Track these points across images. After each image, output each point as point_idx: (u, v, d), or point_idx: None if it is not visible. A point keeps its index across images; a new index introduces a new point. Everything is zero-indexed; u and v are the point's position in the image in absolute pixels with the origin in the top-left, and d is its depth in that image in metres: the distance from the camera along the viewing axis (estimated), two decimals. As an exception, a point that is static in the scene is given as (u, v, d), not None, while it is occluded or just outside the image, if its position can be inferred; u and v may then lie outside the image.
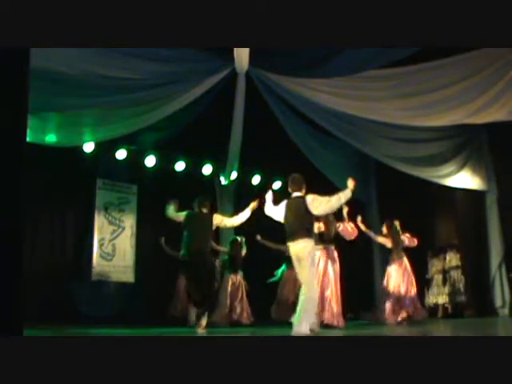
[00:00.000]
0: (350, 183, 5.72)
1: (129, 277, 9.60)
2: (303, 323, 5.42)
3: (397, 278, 8.33)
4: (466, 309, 10.07)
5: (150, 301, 9.17)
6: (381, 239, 8.60)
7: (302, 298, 5.59)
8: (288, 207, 5.87)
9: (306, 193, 5.89)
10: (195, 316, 6.78)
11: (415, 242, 8.68)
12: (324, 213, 6.06)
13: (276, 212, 5.98)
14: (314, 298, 5.69)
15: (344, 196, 5.76)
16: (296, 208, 5.79)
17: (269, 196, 6.08)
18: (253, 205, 6.67)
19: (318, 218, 6.67)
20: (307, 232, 5.72)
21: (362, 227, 8.37)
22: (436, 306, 10.42)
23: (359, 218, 8.33)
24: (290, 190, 5.96)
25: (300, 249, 5.65)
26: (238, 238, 9.46)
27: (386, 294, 8.41)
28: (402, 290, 8.29)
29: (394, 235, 8.49)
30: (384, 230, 8.61)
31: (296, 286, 8.42)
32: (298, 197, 5.87)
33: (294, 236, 5.71)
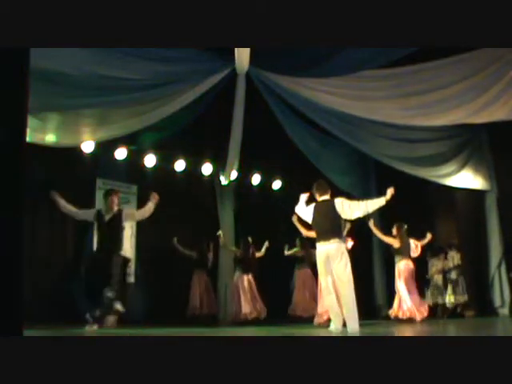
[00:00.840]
0: (389, 192, 5.72)
1: (128, 277, 9.58)
2: (355, 322, 5.62)
3: (405, 277, 8.55)
4: (465, 309, 10.07)
5: (150, 301, 9.18)
6: (389, 240, 8.97)
7: (343, 300, 5.71)
8: (316, 210, 5.96)
9: (332, 197, 6.00)
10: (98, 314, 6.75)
11: (419, 251, 8.91)
12: (352, 217, 6.06)
13: (306, 212, 6.07)
14: (353, 296, 5.74)
15: (377, 203, 5.79)
16: (325, 211, 5.88)
17: (303, 197, 6.17)
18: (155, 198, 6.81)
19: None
20: (338, 233, 5.81)
21: (375, 230, 8.91)
22: (436, 305, 10.43)
23: (371, 222, 8.76)
24: (316, 195, 6.06)
25: (332, 249, 5.71)
26: (249, 239, 9.58)
27: (397, 292, 8.69)
28: (411, 289, 8.57)
29: (402, 237, 8.85)
30: (394, 231, 8.98)
31: (310, 283, 8.59)
32: (325, 200, 5.98)
33: (326, 236, 5.77)
